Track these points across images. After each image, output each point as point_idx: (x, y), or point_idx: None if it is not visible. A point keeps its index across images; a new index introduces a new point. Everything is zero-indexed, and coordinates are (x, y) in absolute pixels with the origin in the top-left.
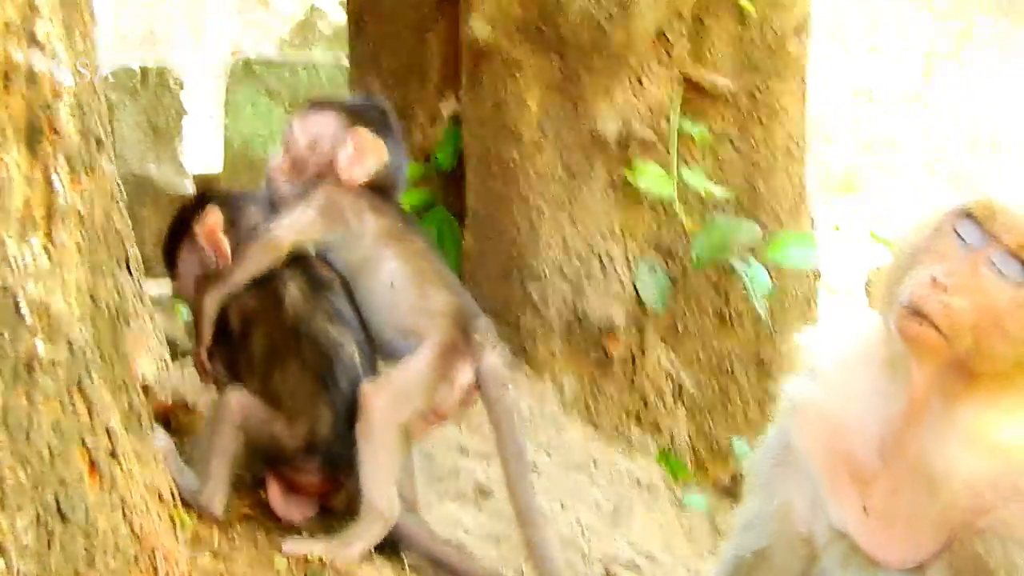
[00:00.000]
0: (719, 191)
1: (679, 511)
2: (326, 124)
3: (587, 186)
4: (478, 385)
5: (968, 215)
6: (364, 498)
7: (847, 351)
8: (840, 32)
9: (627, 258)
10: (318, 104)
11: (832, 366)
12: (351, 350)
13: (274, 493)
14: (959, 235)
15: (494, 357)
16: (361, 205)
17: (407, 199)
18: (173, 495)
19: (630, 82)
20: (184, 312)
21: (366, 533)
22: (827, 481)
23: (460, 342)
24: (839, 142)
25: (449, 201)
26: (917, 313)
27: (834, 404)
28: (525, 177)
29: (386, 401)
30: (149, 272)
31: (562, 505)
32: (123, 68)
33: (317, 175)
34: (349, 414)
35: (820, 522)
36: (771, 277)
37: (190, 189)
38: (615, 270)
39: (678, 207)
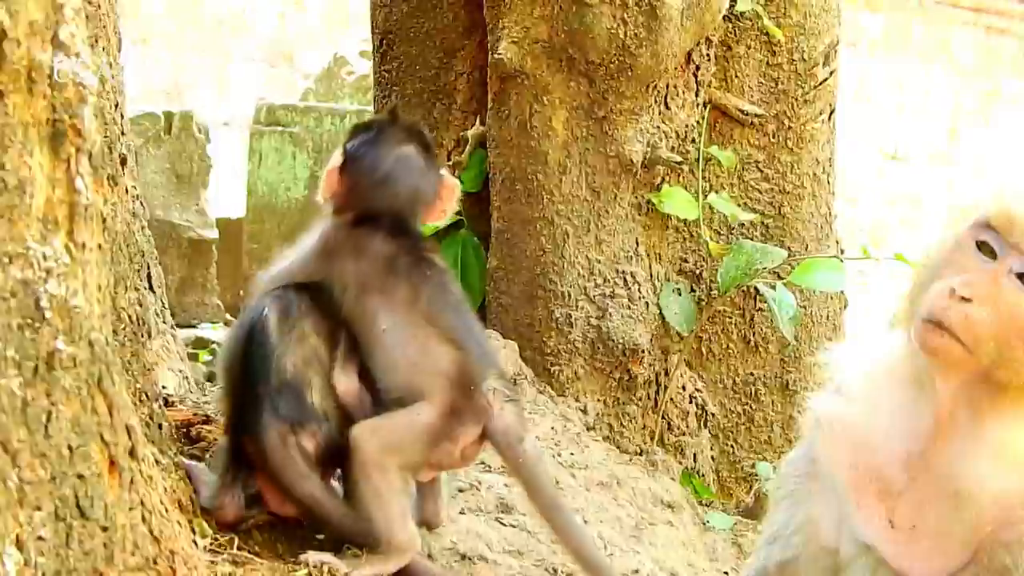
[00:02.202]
0: (745, 215)
1: (702, 530)
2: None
3: (612, 208)
4: (487, 438)
5: (987, 226)
6: (381, 534)
7: (872, 367)
8: (867, 91)
9: (652, 280)
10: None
11: (857, 382)
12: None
13: (266, 489)
14: (979, 247)
15: (504, 415)
16: (347, 246)
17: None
18: (193, 503)
19: (657, 106)
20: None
21: (384, 563)
22: (853, 495)
23: (462, 404)
24: (865, 202)
25: (474, 223)
26: (938, 326)
27: (859, 419)
28: (550, 199)
29: (376, 447)
30: (173, 318)
31: (584, 520)
32: (147, 114)
33: None
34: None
35: (845, 535)
36: (797, 301)
37: (214, 235)
38: (640, 292)
39: (704, 230)
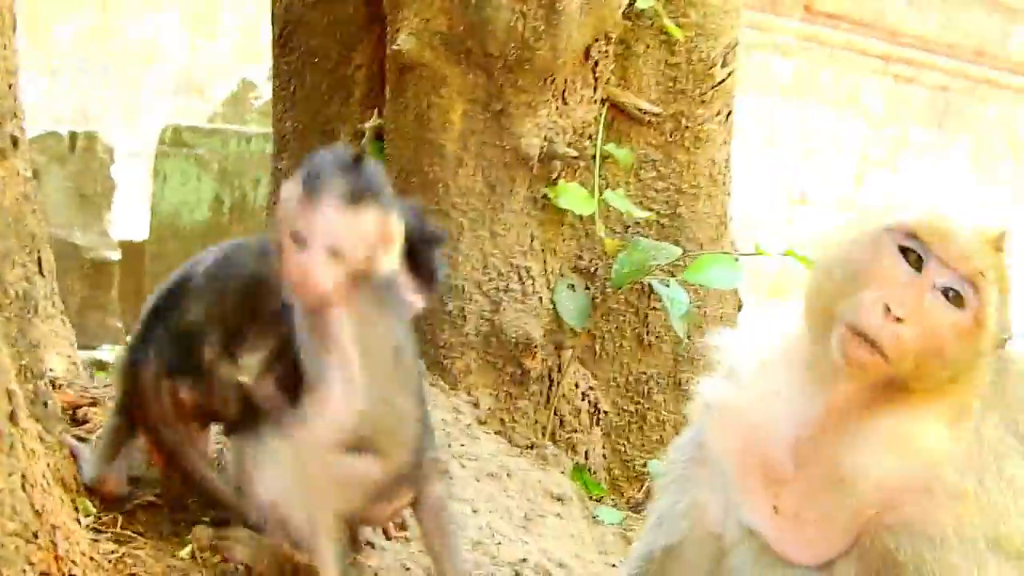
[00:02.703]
0: (640, 213)
1: (591, 524)
2: None
3: (508, 202)
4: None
5: (912, 235)
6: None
7: (763, 353)
8: (775, 137)
9: (547, 275)
10: None
11: (748, 368)
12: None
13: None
14: (903, 252)
15: (438, 489)
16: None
17: None
18: (76, 482)
19: (555, 100)
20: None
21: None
22: (739, 481)
23: (410, 469)
24: (771, 246)
25: None
26: (868, 342)
27: (749, 405)
28: (446, 192)
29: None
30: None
31: (473, 510)
32: (51, 133)
33: None
34: None
35: (731, 520)
36: (691, 300)
37: (116, 256)
38: (534, 287)
39: (599, 227)
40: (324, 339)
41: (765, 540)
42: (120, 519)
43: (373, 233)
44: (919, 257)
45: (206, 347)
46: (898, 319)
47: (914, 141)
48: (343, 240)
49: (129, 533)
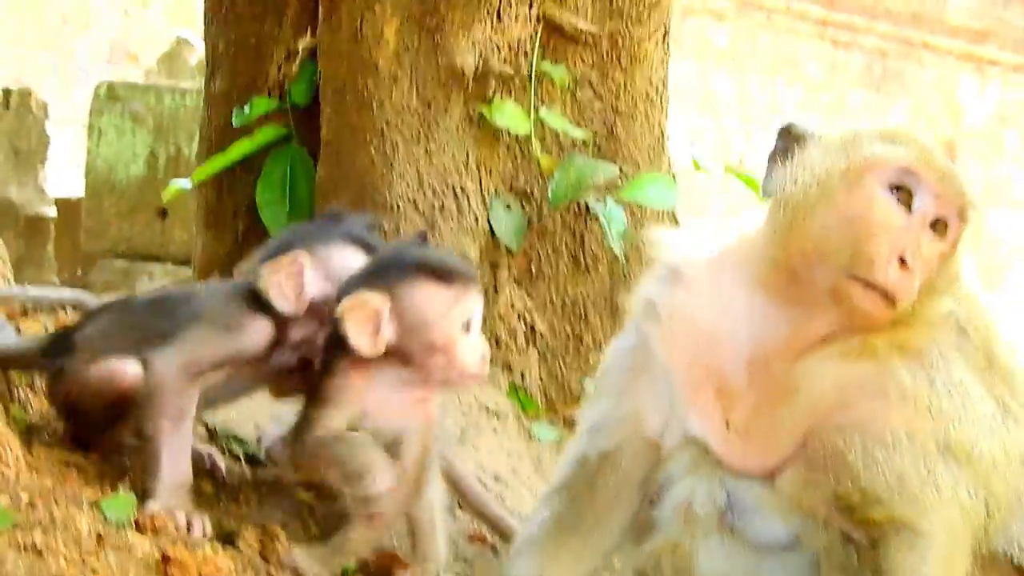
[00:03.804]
0: (577, 132)
1: (528, 441)
2: None
3: (443, 121)
4: None
5: (906, 171)
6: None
7: (713, 262)
8: (712, 103)
9: (482, 195)
10: None
11: (698, 275)
12: None
13: None
14: (895, 194)
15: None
16: None
17: (260, 136)
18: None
19: (489, 17)
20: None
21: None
22: (689, 392)
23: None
24: (709, 213)
25: (303, 137)
26: (885, 295)
27: (703, 315)
28: (380, 110)
29: None
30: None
31: None
32: None
33: None
34: None
35: (672, 428)
36: (628, 221)
37: (52, 213)
38: (469, 206)
39: (535, 145)
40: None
41: (707, 449)
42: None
43: None
44: (908, 193)
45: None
46: (907, 267)
47: (852, 105)
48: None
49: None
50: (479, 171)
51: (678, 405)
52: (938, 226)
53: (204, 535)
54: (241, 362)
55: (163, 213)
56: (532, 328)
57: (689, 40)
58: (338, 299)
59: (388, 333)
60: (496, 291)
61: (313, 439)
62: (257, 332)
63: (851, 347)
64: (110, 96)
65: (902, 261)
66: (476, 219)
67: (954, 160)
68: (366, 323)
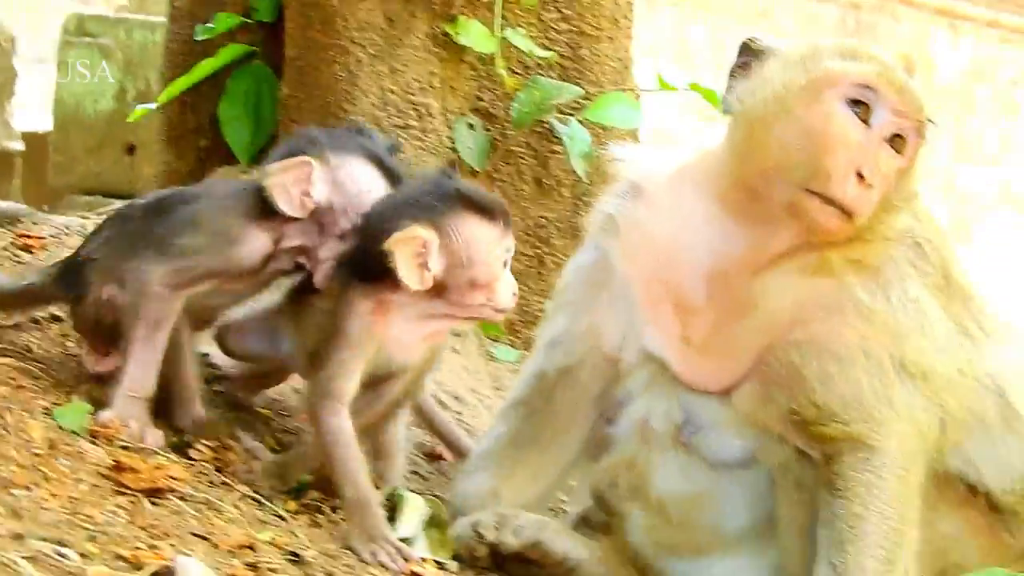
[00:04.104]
0: (542, 52)
1: (487, 361)
2: None
3: (407, 38)
4: None
5: (865, 86)
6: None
7: (674, 177)
8: (687, 53)
9: (446, 114)
10: None
11: (658, 190)
12: None
13: None
14: (853, 109)
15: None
16: None
17: (224, 55)
18: None
19: None
20: None
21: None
22: (648, 308)
23: None
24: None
25: (268, 55)
26: (840, 207)
27: (662, 231)
28: (345, 26)
29: None
30: None
31: None
32: None
33: None
34: None
35: (630, 345)
36: (592, 143)
37: (19, 147)
38: (433, 125)
39: (500, 64)
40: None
41: (664, 365)
42: None
43: None
44: (867, 108)
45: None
46: (867, 183)
47: None
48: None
49: None
50: (443, 90)
51: (636, 321)
52: (896, 142)
53: (157, 446)
54: (233, 275)
55: (131, 149)
56: None
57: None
58: (377, 230)
59: (435, 268)
60: None
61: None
62: (254, 244)
63: (809, 263)
64: (79, 30)
65: (860, 176)
66: (439, 138)
67: (912, 76)
68: (416, 257)
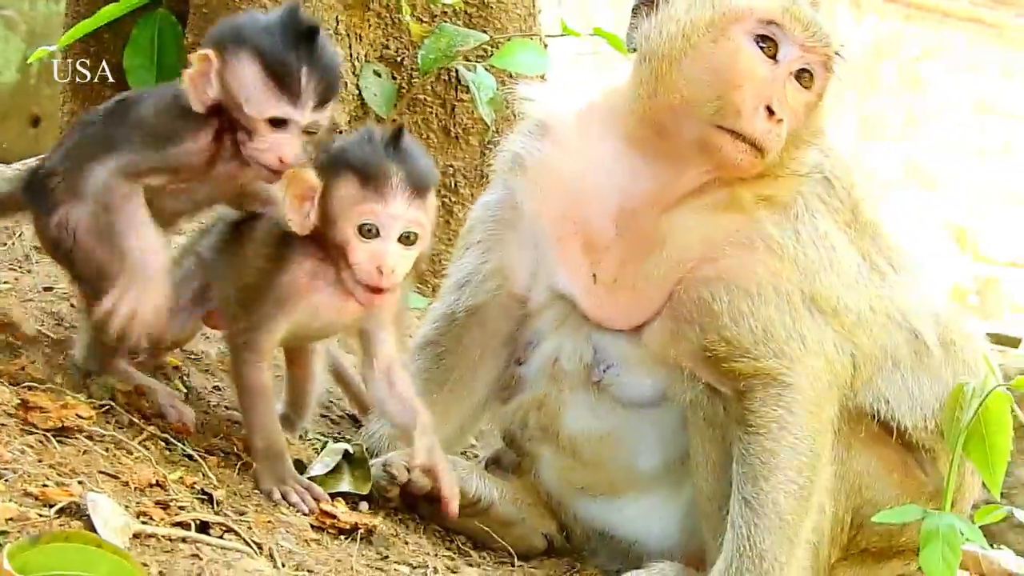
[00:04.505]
0: (448, 0)
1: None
2: None
3: None
4: None
5: (770, 22)
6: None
7: (581, 115)
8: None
9: (352, 61)
10: None
11: (565, 128)
12: None
13: None
14: (760, 44)
15: None
16: None
17: (127, 1)
18: None
19: None
20: None
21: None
22: (556, 246)
23: None
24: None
25: (172, 2)
26: (754, 145)
27: (570, 170)
28: None
29: None
30: None
31: None
32: None
33: None
34: None
35: (539, 284)
36: (500, 89)
37: None
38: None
39: (406, 11)
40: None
41: (574, 304)
42: None
43: (433, 217)
44: (774, 44)
45: None
46: (777, 118)
47: None
48: (417, 228)
49: None
50: (349, 37)
51: (544, 259)
52: (803, 76)
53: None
54: (180, 172)
55: (36, 121)
56: None
57: None
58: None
59: (312, 215)
60: None
61: None
62: (189, 143)
63: (718, 199)
64: None
65: (769, 111)
66: (346, 85)
67: (817, 10)
68: (301, 200)
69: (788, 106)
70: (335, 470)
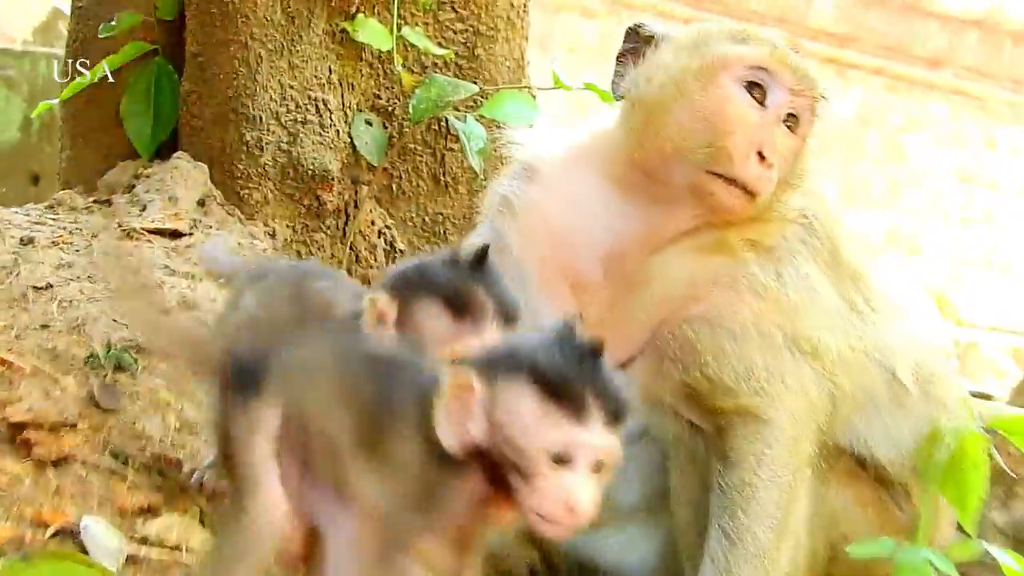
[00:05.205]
0: (439, 50)
1: None
2: None
3: (306, 35)
4: None
5: (759, 68)
6: None
7: (568, 160)
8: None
9: (344, 110)
10: None
11: (553, 172)
12: None
13: None
14: (749, 90)
15: None
16: None
17: (126, 52)
18: None
19: None
20: None
21: None
22: (543, 287)
23: None
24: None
25: (169, 51)
26: (745, 190)
27: (558, 212)
28: (245, 22)
29: None
30: None
31: None
32: None
33: None
34: None
35: (525, 323)
36: (488, 139)
37: None
38: (332, 120)
39: (397, 61)
40: None
41: None
42: None
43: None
44: (762, 90)
45: None
46: (768, 164)
47: None
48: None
49: None
50: (341, 86)
51: (532, 300)
52: (791, 120)
53: None
54: None
55: (36, 179)
56: (392, 245)
57: (560, 34)
58: None
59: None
60: (356, 207)
61: None
62: None
63: (704, 242)
64: None
65: (760, 156)
66: (338, 133)
67: (801, 56)
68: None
69: (778, 151)
70: None
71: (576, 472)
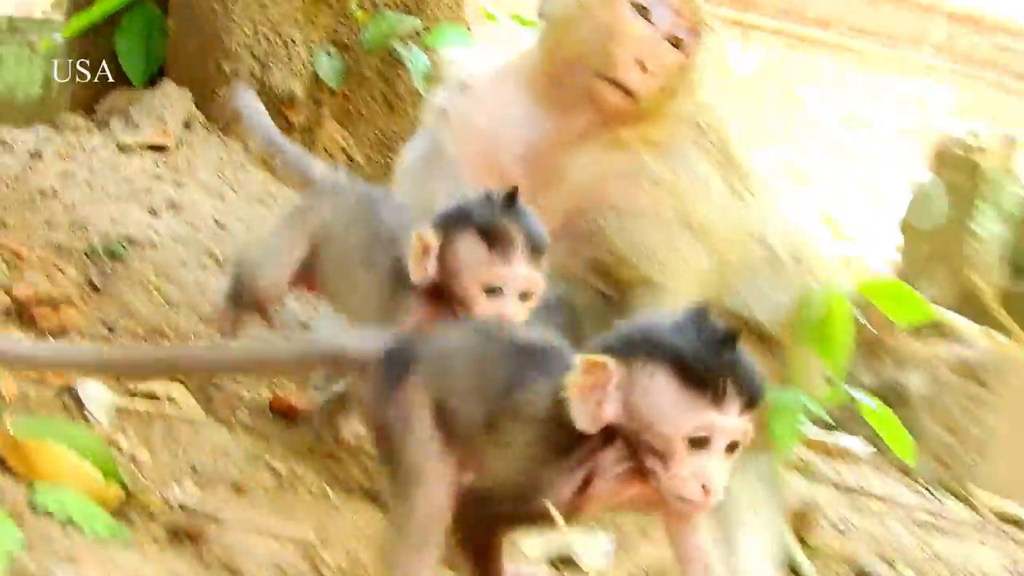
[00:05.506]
0: None
1: None
2: None
3: None
4: None
5: None
6: None
7: (496, 75)
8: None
9: (307, 44)
10: None
11: (483, 86)
12: None
13: None
14: (641, 11)
15: None
16: None
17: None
18: None
19: None
20: None
21: None
22: (474, 182)
23: None
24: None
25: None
26: (622, 88)
27: (485, 120)
28: None
29: None
30: None
31: (246, 227)
32: None
33: None
34: None
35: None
36: (432, 64)
37: None
38: (297, 52)
39: (353, 1)
40: None
41: None
42: None
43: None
44: (648, 11)
45: None
46: (649, 71)
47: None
48: (531, 287)
49: None
50: (305, 24)
51: (464, 192)
52: (676, 40)
53: None
54: None
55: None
56: (351, 159)
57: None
58: None
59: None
60: (320, 126)
61: None
62: None
63: (606, 141)
64: (11, 28)
65: (644, 66)
66: (303, 64)
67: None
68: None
69: (659, 63)
70: None
71: (712, 455)
